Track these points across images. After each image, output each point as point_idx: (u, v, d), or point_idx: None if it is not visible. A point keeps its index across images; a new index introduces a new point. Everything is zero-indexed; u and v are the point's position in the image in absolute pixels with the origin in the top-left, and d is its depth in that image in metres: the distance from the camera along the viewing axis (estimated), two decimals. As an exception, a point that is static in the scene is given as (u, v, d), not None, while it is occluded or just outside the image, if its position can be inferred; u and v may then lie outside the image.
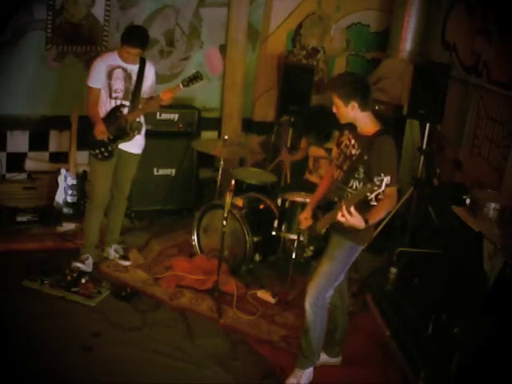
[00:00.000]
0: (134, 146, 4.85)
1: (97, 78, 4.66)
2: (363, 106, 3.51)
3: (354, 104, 3.49)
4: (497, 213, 4.37)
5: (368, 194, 3.23)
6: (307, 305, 3.70)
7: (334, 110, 3.59)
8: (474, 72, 5.71)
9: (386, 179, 3.25)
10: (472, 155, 5.76)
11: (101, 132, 4.62)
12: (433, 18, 6.38)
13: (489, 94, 5.54)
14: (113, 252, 5.06)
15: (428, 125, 5.69)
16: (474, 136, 5.76)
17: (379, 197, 3.32)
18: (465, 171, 5.81)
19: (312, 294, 3.69)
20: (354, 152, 3.59)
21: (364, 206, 3.46)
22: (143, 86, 4.75)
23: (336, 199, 3.61)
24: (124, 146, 4.78)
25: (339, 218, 3.34)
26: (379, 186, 3.16)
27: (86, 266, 4.84)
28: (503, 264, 3.94)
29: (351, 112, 3.52)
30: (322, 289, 3.68)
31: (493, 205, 4.39)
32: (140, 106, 4.75)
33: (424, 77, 5.60)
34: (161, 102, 4.68)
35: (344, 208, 3.31)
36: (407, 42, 6.38)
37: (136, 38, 4.62)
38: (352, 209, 3.31)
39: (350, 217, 3.32)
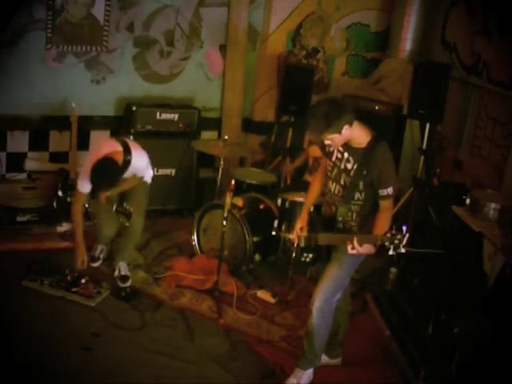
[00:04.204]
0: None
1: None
2: (351, 122, 3.43)
3: (346, 127, 3.41)
4: (497, 213, 4.37)
5: (386, 244, 3.24)
6: (314, 310, 3.67)
7: (329, 142, 3.48)
8: (474, 72, 5.71)
9: (390, 190, 3.43)
10: (472, 155, 5.76)
11: (81, 262, 4.56)
12: (433, 18, 6.38)
13: (489, 93, 5.54)
14: (117, 270, 4.88)
15: (428, 125, 5.69)
16: (474, 136, 5.76)
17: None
18: (465, 171, 5.81)
19: (320, 299, 3.66)
20: (349, 166, 3.54)
21: (368, 215, 3.55)
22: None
23: (340, 218, 3.60)
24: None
25: (350, 251, 3.38)
26: (400, 241, 3.18)
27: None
28: (503, 264, 3.94)
29: (346, 134, 3.43)
30: (330, 294, 3.66)
31: (493, 205, 4.39)
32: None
33: (424, 77, 5.59)
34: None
35: (356, 243, 3.35)
36: (407, 41, 6.38)
37: (96, 183, 4.40)
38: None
39: (360, 249, 3.37)
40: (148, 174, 4.82)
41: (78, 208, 4.57)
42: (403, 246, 3.20)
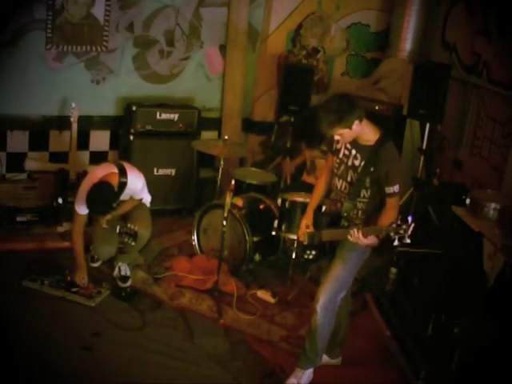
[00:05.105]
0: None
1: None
2: (362, 118, 3.46)
3: (357, 122, 3.43)
4: (497, 213, 4.37)
5: (391, 234, 3.25)
6: (318, 308, 3.67)
7: (338, 138, 3.50)
8: (474, 72, 5.71)
9: (396, 188, 3.44)
10: (472, 155, 5.76)
11: (81, 279, 4.57)
12: (433, 18, 6.38)
13: (489, 93, 5.54)
14: (117, 269, 4.88)
15: (428, 125, 5.68)
16: (474, 136, 5.76)
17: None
18: (465, 171, 5.81)
19: (325, 297, 3.66)
20: (356, 163, 3.56)
21: (372, 212, 3.56)
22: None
23: (345, 214, 3.60)
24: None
25: (354, 240, 3.40)
26: (406, 231, 3.19)
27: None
28: (503, 264, 3.94)
29: (356, 130, 3.45)
30: (335, 293, 3.67)
31: (493, 205, 4.38)
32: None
33: (424, 77, 5.59)
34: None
35: (361, 235, 3.37)
36: (407, 41, 6.38)
37: (92, 207, 4.43)
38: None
39: (365, 240, 3.39)
40: (146, 198, 4.84)
41: (78, 229, 4.56)
42: (408, 237, 3.20)
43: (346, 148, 3.61)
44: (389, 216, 3.47)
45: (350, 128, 3.43)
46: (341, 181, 3.65)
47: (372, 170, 3.49)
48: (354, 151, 3.57)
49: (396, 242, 3.26)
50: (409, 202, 5.68)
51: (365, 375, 4.07)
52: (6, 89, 5.61)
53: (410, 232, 3.21)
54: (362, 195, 3.59)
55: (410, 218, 3.23)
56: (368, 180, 3.53)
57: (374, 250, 3.75)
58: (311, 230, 3.74)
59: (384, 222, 3.43)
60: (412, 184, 5.68)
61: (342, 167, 3.64)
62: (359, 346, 4.34)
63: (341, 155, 3.64)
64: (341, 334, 4.03)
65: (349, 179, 3.61)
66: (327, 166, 3.86)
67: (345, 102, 3.42)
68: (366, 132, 3.52)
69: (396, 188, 3.48)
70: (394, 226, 3.25)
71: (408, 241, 3.24)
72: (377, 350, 4.33)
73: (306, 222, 3.77)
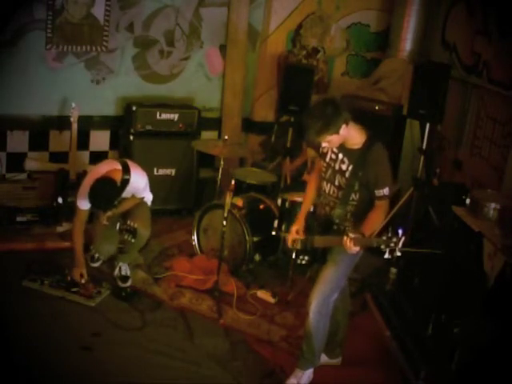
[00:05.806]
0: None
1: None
2: (348, 121, 3.43)
3: (344, 126, 3.41)
4: (497, 213, 4.37)
5: (382, 247, 3.22)
6: (311, 311, 3.66)
7: (325, 144, 3.48)
8: (474, 72, 5.71)
9: (386, 191, 3.43)
10: (472, 155, 5.76)
11: (79, 275, 4.55)
12: (433, 18, 6.38)
13: (489, 93, 5.54)
14: (117, 269, 4.89)
15: (428, 125, 5.68)
16: (474, 136, 5.75)
17: None
18: (465, 171, 5.81)
19: (317, 300, 3.65)
20: (344, 167, 3.54)
21: (362, 214, 3.54)
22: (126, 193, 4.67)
23: (337, 220, 3.58)
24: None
25: (346, 248, 3.38)
26: (396, 244, 3.17)
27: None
28: (503, 264, 3.94)
29: (343, 134, 3.43)
30: (327, 296, 3.66)
31: (493, 205, 4.38)
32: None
33: (424, 77, 5.59)
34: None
35: (352, 245, 3.34)
36: (407, 41, 6.37)
37: (94, 202, 4.41)
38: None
39: (355, 248, 3.37)
40: (148, 197, 4.84)
41: (78, 225, 4.56)
42: (399, 250, 3.19)
43: (332, 152, 3.59)
44: (376, 217, 3.48)
45: (338, 133, 3.40)
46: (329, 185, 3.64)
47: (360, 174, 3.47)
48: (340, 155, 3.55)
49: (387, 255, 3.23)
50: (409, 202, 5.67)
51: (365, 375, 4.07)
52: (6, 89, 5.61)
53: (400, 245, 3.19)
54: (351, 198, 3.58)
55: (400, 231, 3.20)
56: (357, 183, 3.51)
57: (374, 249, 3.74)
58: (301, 236, 3.72)
59: (368, 224, 3.44)
60: (412, 184, 5.68)
61: (330, 171, 3.62)
62: (359, 345, 4.34)
63: (327, 159, 3.63)
64: (340, 335, 4.03)
65: (336, 183, 3.60)
66: (316, 170, 3.85)
67: (329, 107, 3.39)
68: (352, 136, 3.49)
69: (386, 191, 3.48)
70: (385, 238, 3.22)
71: (398, 254, 3.21)
72: (377, 350, 4.34)
73: (296, 228, 3.75)
